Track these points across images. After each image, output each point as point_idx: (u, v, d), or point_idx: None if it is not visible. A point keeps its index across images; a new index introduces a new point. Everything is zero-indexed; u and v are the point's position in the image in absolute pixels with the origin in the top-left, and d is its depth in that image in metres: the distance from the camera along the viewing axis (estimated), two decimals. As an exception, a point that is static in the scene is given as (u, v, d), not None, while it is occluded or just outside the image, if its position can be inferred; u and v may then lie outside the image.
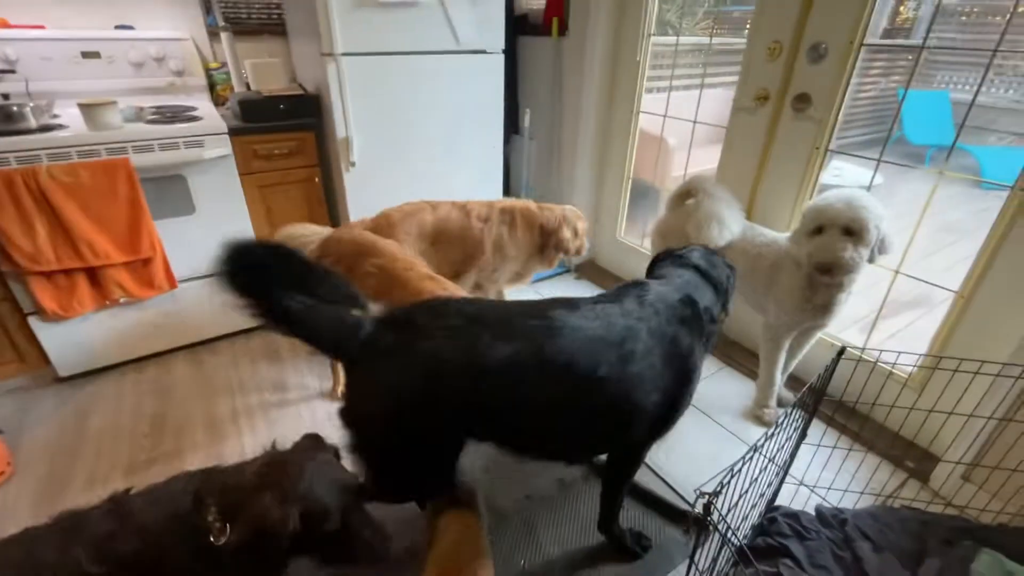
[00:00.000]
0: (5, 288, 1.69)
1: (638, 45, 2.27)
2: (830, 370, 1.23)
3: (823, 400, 1.28)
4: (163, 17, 2.20)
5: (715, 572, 0.96)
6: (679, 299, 1.03)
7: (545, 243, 1.97)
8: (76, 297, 1.75)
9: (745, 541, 1.13)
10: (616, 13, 2.30)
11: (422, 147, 2.14)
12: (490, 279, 1.99)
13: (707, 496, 0.80)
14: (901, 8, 3.82)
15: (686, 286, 1.07)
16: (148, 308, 1.95)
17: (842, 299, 1.49)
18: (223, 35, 2.19)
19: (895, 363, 1.29)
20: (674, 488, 1.51)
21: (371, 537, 0.92)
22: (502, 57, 2.17)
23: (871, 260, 1.41)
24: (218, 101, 2.30)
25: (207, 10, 2.25)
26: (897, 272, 1.65)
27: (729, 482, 0.82)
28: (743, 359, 2.07)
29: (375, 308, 1.00)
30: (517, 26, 2.68)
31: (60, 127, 1.71)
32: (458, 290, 1.45)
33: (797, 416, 1.21)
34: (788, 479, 1.45)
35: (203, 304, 2.06)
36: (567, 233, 1.97)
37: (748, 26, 1.84)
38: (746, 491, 0.95)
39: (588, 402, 0.92)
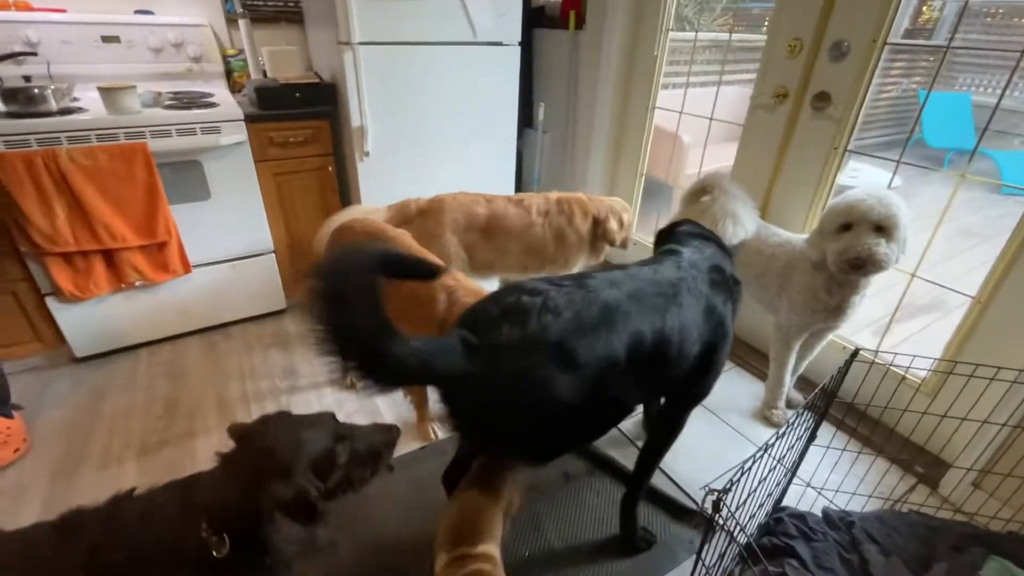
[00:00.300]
0: (24, 268, 1.72)
1: (655, 40, 2.25)
2: (843, 372, 1.22)
3: (833, 403, 1.28)
4: (182, 3, 2.21)
5: (720, 569, 0.96)
6: (710, 265, 1.12)
7: (595, 234, 1.97)
8: (93, 279, 1.78)
9: (751, 540, 1.12)
10: (634, 8, 2.28)
11: (436, 138, 2.14)
12: (551, 272, 1.99)
13: (716, 493, 0.80)
14: (924, 8, 3.76)
15: (714, 256, 1.16)
16: (163, 292, 1.97)
17: (856, 301, 1.48)
18: (241, 22, 2.20)
19: (909, 367, 1.28)
20: (680, 486, 1.51)
21: (375, 444, 0.93)
22: (518, 49, 2.16)
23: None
24: (235, 88, 2.32)
25: (225, -4, 2.26)
26: (913, 275, 1.63)
27: (739, 480, 0.82)
28: (753, 359, 2.06)
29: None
30: (533, 18, 2.67)
31: (80, 110, 1.73)
32: (468, 282, 1.45)
33: (807, 418, 1.20)
34: (796, 481, 1.44)
35: (217, 289, 2.08)
36: (614, 224, 1.96)
37: (767, 22, 1.82)
38: (754, 490, 0.95)
39: (656, 353, 0.98)
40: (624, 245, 2.05)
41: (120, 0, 2.10)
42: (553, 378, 0.86)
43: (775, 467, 1.08)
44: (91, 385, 1.85)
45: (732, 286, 1.14)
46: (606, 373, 0.92)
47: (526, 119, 2.85)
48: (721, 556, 0.95)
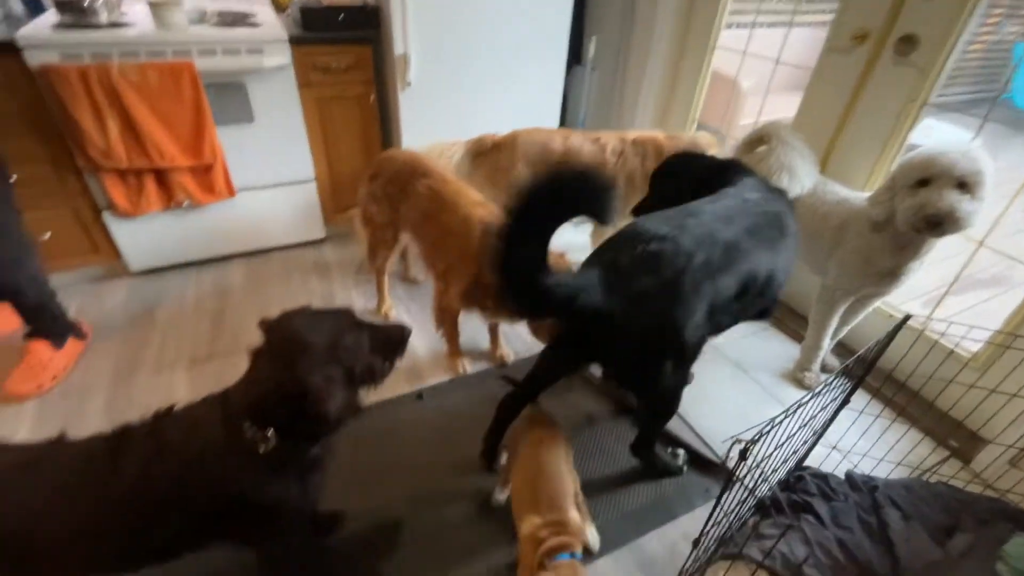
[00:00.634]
0: (82, 183, 1.79)
1: (724, -30, 2.06)
2: (890, 336, 1.17)
3: (872, 370, 1.23)
4: (227, -87, 2.13)
5: (736, 516, 0.98)
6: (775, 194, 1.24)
7: None
8: (145, 196, 1.84)
9: (770, 493, 1.14)
10: (705, -69, 2.07)
11: (480, 72, 2.06)
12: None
13: (744, 443, 0.80)
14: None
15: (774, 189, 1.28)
16: (209, 214, 2.03)
17: (914, 267, 1.40)
18: (286, -63, 2.11)
19: (963, 337, 1.22)
20: (701, 437, 1.52)
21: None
22: (572, -23, 2.02)
23: None
24: (279, 8, 2.26)
25: (271, -92, 2.16)
26: (981, 243, 1.52)
27: (768, 432, 0.81)
28: (790, 320, 2.01)
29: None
30: (592, -57, 2.46)
31: (128, 25, 1.72)
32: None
33: (842, 383, 1.17)
34: (821, 444, 1.43)
35: (259, 215, 2.13)
36: None
37: (857, -49, 1.62)
38: (781, 445, 0.94)
39: (765, 285, 1.12)
40: None
41: (165, -92, 2.03)
42: (684, 319, 0.98)
43: (805, 425, 1.07)
44: (144, 298, 1.97)
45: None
46: (724, 307, 1.05)
47: (574, 55, 2.70)
48: (740, 502, 0.96)
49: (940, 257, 1.45)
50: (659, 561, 1.21)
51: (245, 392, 0.83)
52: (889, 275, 1.42)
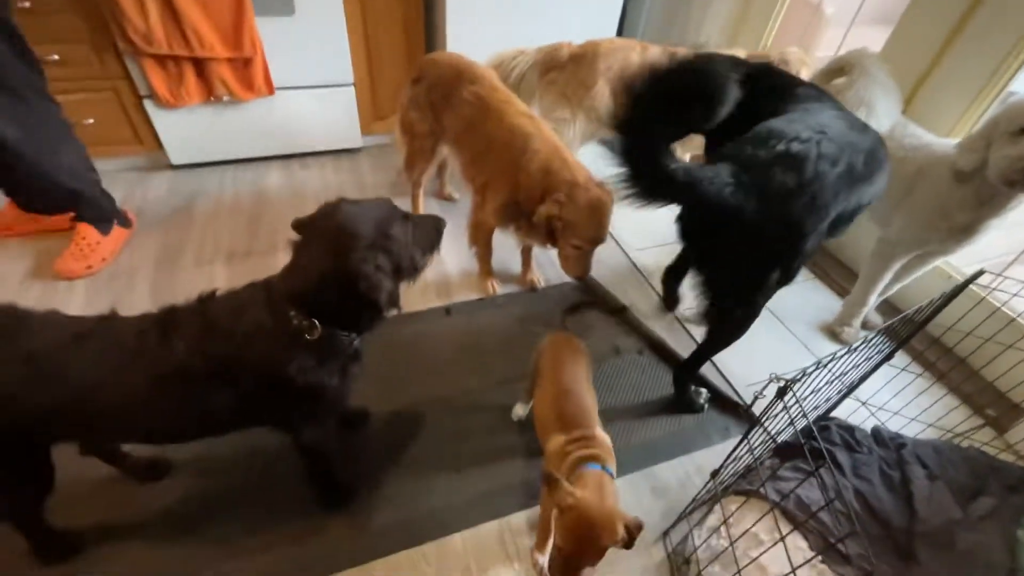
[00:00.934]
0: (123, 67, 1.76)
1: None
2: (947, 297, 1.10)
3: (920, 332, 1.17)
4: None
5: (758, 454, 0.98)
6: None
7: None
8: (184, 86, 1.81)
9: (804, 430, 1.13)
10: None
11: (536, -28, 1.88)
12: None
13: (784, 381, 0.77)
14: None
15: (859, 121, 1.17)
16: (248, 112, 1.99)
17: (992, 225, 1.28)
18: None
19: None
20: (727, 378, 1.51)
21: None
22: None
23: None
24: None
25: None
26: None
27: (812, 372, 0.78)
28: (835, 273, 1.91)
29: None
30: None
31: None
32: (550, 134, 1.36)
33: (881, 342, 1.12)
34: (852, 398, 1.40)
35: (297, 116, 2.08)
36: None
37: None
38: (818, 388, 0.92)
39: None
40: None
41: None
42: (813, 225, 0.96)
43: (836, 379, 1.03)
44: (185, 192, 1.99)
45: None
46: (837, 223, 1.03)
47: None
48: (765, 442, 0.95)
49: (1016, 220, 1.32)
50: (672, 489, 1.24)
51: (291, 281, 0.83)
52: (962, 231, 1.31)
